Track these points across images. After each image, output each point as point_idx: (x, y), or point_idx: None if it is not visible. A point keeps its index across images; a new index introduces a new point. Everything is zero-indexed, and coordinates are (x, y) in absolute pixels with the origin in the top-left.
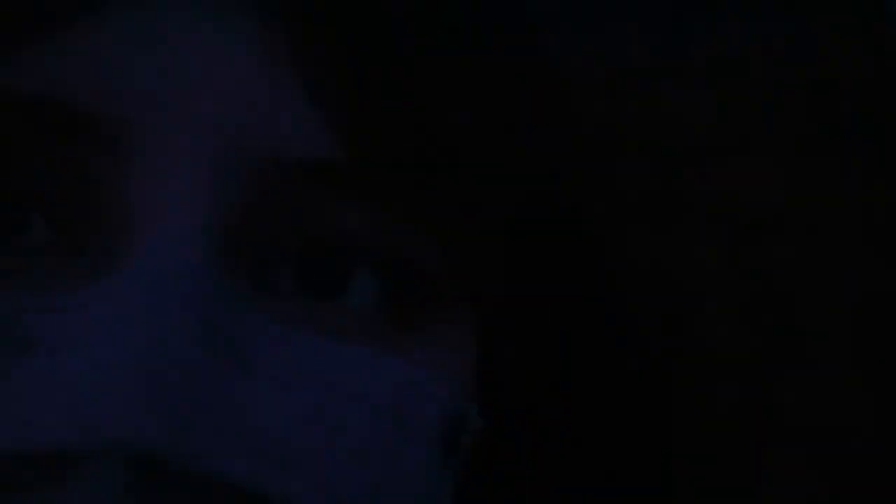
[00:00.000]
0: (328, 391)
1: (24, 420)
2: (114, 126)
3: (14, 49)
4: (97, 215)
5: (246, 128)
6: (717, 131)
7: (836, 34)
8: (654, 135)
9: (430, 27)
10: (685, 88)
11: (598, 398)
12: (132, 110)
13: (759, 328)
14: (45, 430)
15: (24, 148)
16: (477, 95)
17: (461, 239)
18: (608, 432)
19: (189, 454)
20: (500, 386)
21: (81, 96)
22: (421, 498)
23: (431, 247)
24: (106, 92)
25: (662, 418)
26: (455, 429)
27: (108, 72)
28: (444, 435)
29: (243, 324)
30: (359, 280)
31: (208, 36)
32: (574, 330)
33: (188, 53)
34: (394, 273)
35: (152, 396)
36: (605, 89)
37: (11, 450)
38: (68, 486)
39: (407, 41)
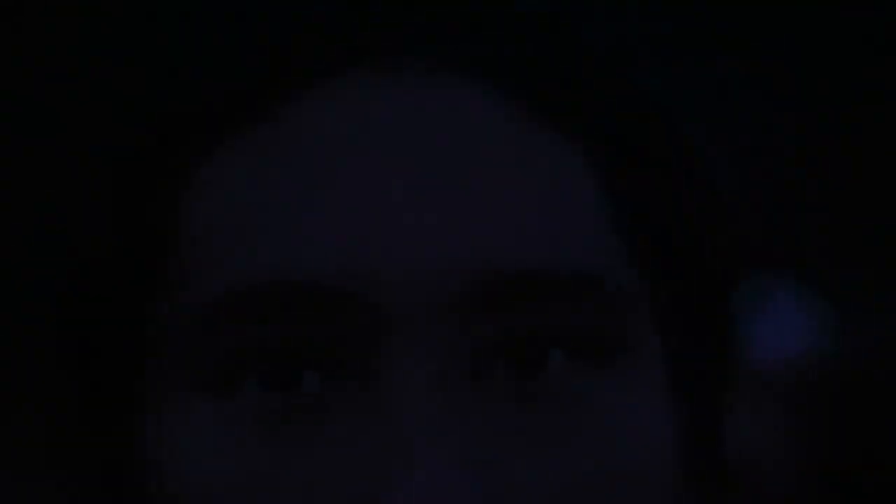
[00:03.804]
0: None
1: None
2: (350, 292)
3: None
4: (357, 367)
5: (459, 248)
6: None
7: None
8: None
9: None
10: None
11: None
12: (360, 272)
13: None
14: None
15: (293, 325)
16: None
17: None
18: None
19: None
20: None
21: (317, 271)
22: None
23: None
24: (335, 258)
25: None
26: None
27: (335, 235)
28: None
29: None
30: (550, 355)
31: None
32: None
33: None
34: (585, 339)
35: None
36: None
37: None
38: None
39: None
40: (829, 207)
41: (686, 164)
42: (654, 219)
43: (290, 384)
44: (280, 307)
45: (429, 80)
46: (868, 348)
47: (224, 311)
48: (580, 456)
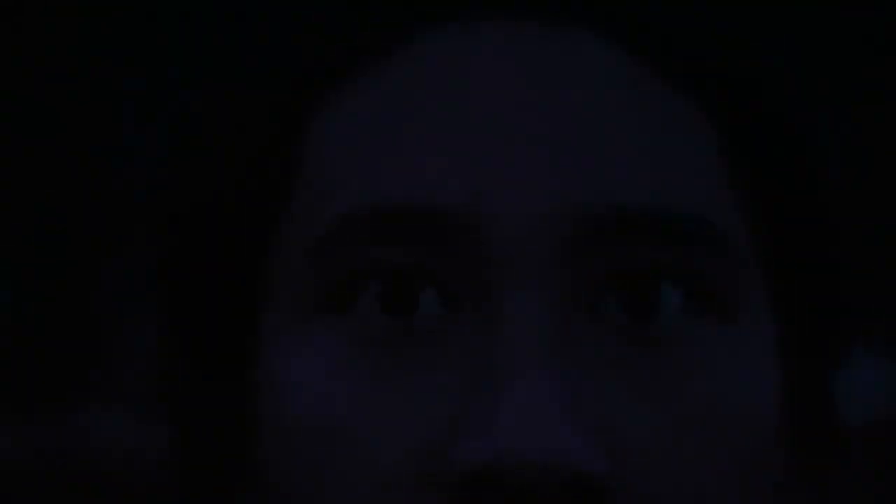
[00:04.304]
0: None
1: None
2: (472, 222)
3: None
4: (472, 296)
5: (577, 182)
6: None
7: None
8: None
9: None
10: None
11: None
12: (481, 199)
13: None
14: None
15: (413, 246)
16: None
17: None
18: None
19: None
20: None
21: (441, 197)
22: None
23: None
24: (459, 188)
25: None
26: None
27: (460, 166)
28: None
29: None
30: (662, 296)
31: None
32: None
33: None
34: (699, 284)
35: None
36: None
37: None
38: None
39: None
40: None
41: (802, 143)
42: (771, 187)
43: (407, 307)
44: (401, 230)
45: (553, 29)
46: None
47: (347, 230)
48: (687, 402)
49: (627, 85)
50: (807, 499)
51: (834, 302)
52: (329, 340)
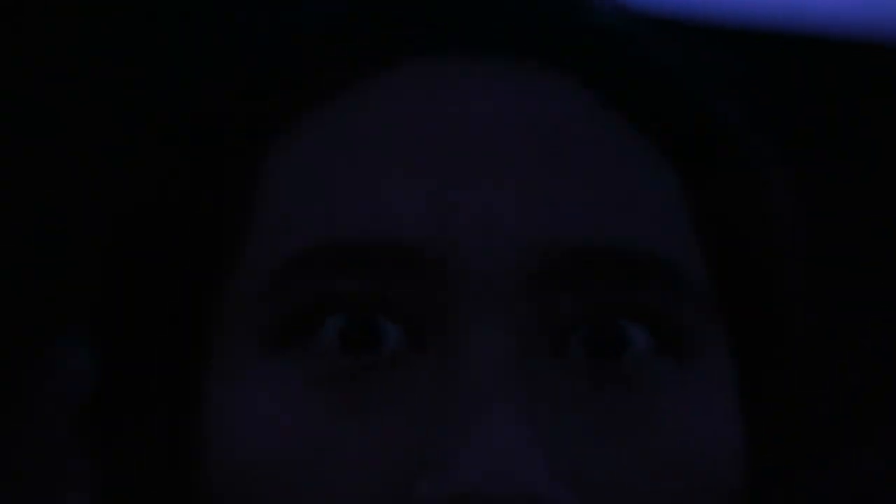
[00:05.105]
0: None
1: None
2: (438, 256)
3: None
4: (435, 332)
5: (543, 219)
6: None
7: None
8: None
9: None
10: None
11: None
12: (447, 236)
13: None
14: None
15: (374, 280)
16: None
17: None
18: None
19: None
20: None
21: (406, 231)
22: None
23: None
24: (425, 223)
25: None
26: None
27: (425, 201)
28: None
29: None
30: (626, 335)
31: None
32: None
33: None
34: (662, 324)
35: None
36: None
37: None
38: None
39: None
40: None
41: (765, 185)
42: (732, 232)
43: (369, 342)
44: (365, 263)
45: (517, 67)
46: None
47: (308, 262)
48: (651, 440)
49: (592, 124)
50: None
51: (786, 346)
52: (286, 377)
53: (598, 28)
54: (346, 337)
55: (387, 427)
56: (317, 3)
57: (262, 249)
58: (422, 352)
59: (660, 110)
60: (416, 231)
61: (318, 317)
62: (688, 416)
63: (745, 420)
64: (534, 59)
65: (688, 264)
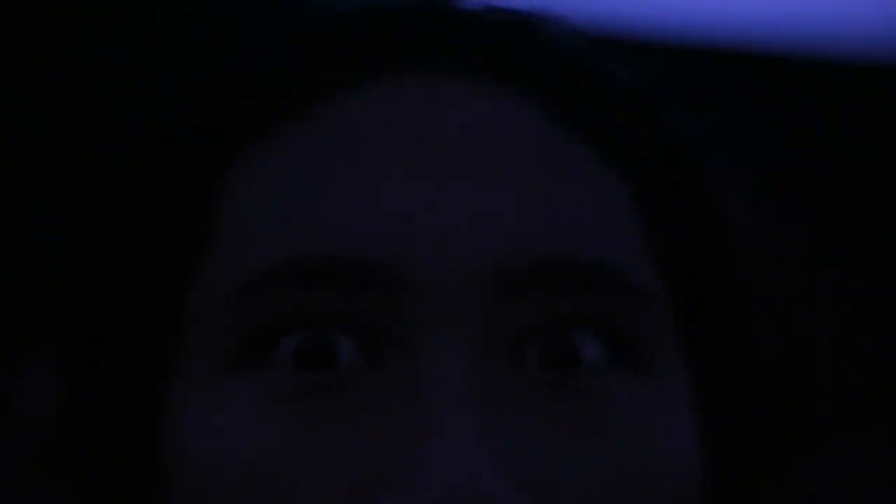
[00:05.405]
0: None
1: None
2: (395, 271)
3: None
4: (393, 346)
5: (499, 233)
6: None
7: None
8: None
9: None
10: None
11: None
12: (406, 252)
13: None
14: None
15: (330, 295)
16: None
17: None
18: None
19: None
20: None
21: (365, 247)
22: None
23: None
24: (383, 240)
25: None
26: None
27: (383, 218)
28: None
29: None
30: (582, 347)
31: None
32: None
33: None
34: (616, 335)
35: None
36: None
37: None
38: None
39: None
40: None
41: (712, 197)
42: (682, 245)
43: (324, 360)
44: (324, 278)
45: (474, 86)
46: None
47: (268, 277)
48: (608, 450)
49: (541, 139)
50: None
51: (738, 353)
52: (243, 397)
53: (548, 48)
54: (301, 356)
55: (345, 444)
56: (270, 28)
57: (225, 264)
58: (380, 367)
59: (609, 126)
60: (376, 249)
61: (272, 338)
62: (642, 427)
63: (702, 431)
64: (488, 78)
65: (637, 274)
